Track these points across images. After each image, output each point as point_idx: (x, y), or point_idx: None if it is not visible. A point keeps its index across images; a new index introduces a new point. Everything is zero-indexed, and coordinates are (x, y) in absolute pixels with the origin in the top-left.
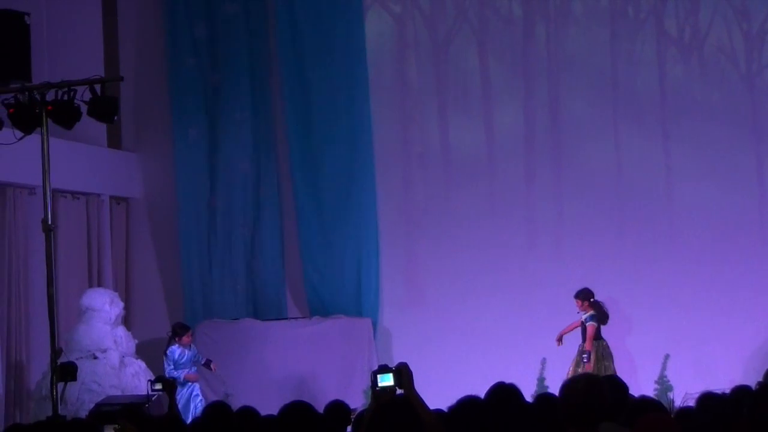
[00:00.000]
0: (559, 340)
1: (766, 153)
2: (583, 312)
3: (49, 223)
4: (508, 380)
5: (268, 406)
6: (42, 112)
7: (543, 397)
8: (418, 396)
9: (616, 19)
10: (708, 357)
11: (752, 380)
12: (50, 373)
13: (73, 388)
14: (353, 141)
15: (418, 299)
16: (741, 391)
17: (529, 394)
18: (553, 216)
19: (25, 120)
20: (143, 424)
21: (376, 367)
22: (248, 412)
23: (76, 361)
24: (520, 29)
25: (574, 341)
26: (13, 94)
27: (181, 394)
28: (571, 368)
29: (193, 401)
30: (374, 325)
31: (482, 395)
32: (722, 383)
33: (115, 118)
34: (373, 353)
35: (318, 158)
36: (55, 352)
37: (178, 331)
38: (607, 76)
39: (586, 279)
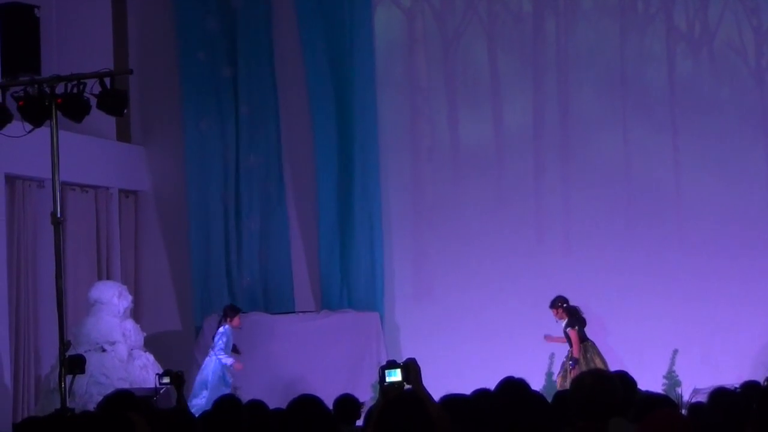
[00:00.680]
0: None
1: None
2: (561, 321)
3: (58, 216)
4: (516, 374)
5: (276, 399)
6: (51, 105)
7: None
8: (426, 391)
9: (625, 14)
10: (717, 352)
11: (761, 375)
12: (59, 366)
13: (81, 380)
14: (360, 134)
15: (426, 293)
16: (749, 386)
17: (537, 388)
18: (562, 210)
19: (35, 113)
20: (153, 417)
21: (384, 361)
22: (258, 405)
23: (84, 354)
24: (529, 24)
25: (563, 348)
26: (22, 87)
27: (214, 370)
28: (558, 379)
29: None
30: (382, 319)
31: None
32: (731, 378)
33: (125, 111)
34: (381, 347)
35: (327, 152)
36: (64, 345)
37: (229, 313)
38: (616, 70)
39: (594, 273)
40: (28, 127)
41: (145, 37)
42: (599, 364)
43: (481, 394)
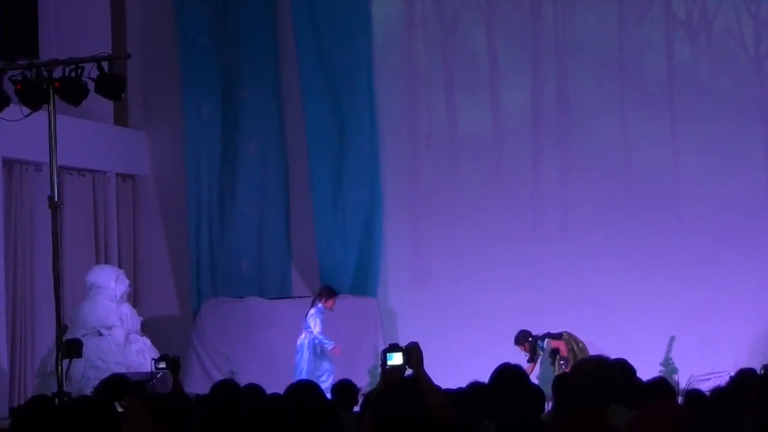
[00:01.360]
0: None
1: None
2: (527, 354)
3: (56, 200)
4: (513, 360)
5: (274, 384)
6: (49, 88)
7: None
8: (428, 377)
9: (624, 0)
10: (714, 338)
11: (758, 362)
12: (55, 350)
13: (78, 364)
14: (360, 120)
15: (423, 279)
16: (746, 374)
17: (534, 375)
18: (560, 197)
19: (32, 97)
20: (149, 401)
21: (381, 347)
22: (255, 389)
23: (81, 338)
24: (527, 10)
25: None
26: (20, 71)
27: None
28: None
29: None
30: (379, 305)
31: (487, 375)
32: (727, 366)
33: (123, 95)
34: (379, 333)
35: (327, 136)
36: (61, 329)
37: (324, 294)
38: (614, 57)
39: (591, 259)
40: (26, 110)
41: (144, 21)
42: (582, 349)
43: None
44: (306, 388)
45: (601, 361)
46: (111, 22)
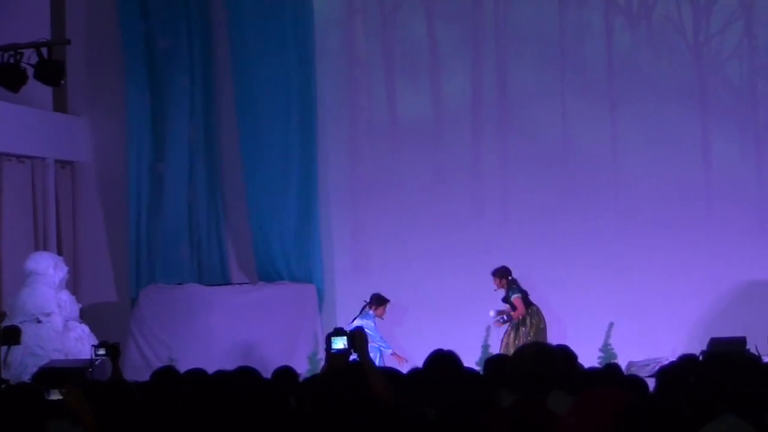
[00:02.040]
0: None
1: (711, 122)
2: (501, 289)
3: None
4: (454, 346)
5: (213, 371)
6: None
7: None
8: (372, 361)
9: None
10: (652, 325)
11: (696, 349)
12: None
13: (16, 351)
14: (298, 107)
15: (363, 266)
16: (687, 360)
17: (474, 359)
18: (500, 182)
19: None
20: (89, 388)
21: (320, 334)
22: (197, 374)
23: (19, 325)
24: None
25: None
26: None
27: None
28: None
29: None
30: (318, 291)
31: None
32: (666, 352)
33: (62, 81)
34: (317, 319)
35: (264, 124)
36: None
37: (375, 302)
38: (554, 44)
39: (531, 245)
40: None
41: (85, 7)
42: (540, 331)
43: (416, 370)
44: (246, 375)
45: (541, 347)
46: (50, 8)
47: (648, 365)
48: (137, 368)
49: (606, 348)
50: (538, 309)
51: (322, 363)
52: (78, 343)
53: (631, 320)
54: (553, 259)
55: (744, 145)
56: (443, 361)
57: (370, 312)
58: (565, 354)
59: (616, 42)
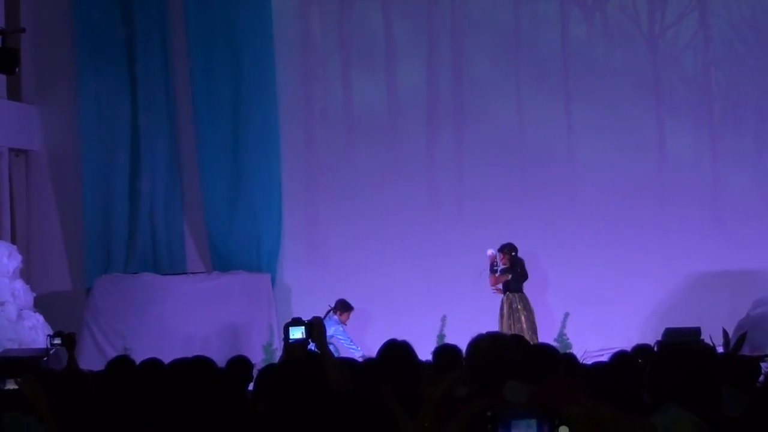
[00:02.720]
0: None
1: (666, 113)
2: (503, 265)
3: None
4: (409, 335)
5: (168, 360)
6: None
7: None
8: (330, 351)
9: None
10: (607, 315)
11: (650, 339)
12: None
13: None
14: (257, 96)
15: (319, 256)
16: (641, 350)
17: (429, 349)
18: (455, 173)
19: None
20: (44, 378)
21: (275, 323)
22: (152, 364)
23: None
24: None
25: (496, 299)
26: None
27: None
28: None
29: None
30: (273, 281)
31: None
32: (620, 342)
33: (16, 69)
34: (272, 309)
35: (222, 113)
36: None
37: (340, 307)
38: (510, 35)
39: (487, 237)
40: None
41: None
42: (525, 321)
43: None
44: (201, 365)
45: (496, 337)
46: None
47: (602, 355)
48: (92, 358)
49: (561, 338)
50: (526, 298)
51: (278, 353)
52: (32, 332)
53: (586, 311)
54: None
55: (698, 137)
56: (396, 350)
57: (335, 317)
58: (520, 344)
59: (571, 33)
